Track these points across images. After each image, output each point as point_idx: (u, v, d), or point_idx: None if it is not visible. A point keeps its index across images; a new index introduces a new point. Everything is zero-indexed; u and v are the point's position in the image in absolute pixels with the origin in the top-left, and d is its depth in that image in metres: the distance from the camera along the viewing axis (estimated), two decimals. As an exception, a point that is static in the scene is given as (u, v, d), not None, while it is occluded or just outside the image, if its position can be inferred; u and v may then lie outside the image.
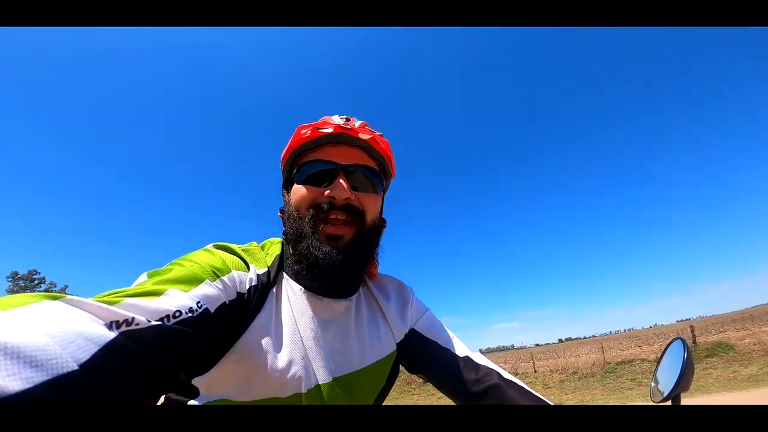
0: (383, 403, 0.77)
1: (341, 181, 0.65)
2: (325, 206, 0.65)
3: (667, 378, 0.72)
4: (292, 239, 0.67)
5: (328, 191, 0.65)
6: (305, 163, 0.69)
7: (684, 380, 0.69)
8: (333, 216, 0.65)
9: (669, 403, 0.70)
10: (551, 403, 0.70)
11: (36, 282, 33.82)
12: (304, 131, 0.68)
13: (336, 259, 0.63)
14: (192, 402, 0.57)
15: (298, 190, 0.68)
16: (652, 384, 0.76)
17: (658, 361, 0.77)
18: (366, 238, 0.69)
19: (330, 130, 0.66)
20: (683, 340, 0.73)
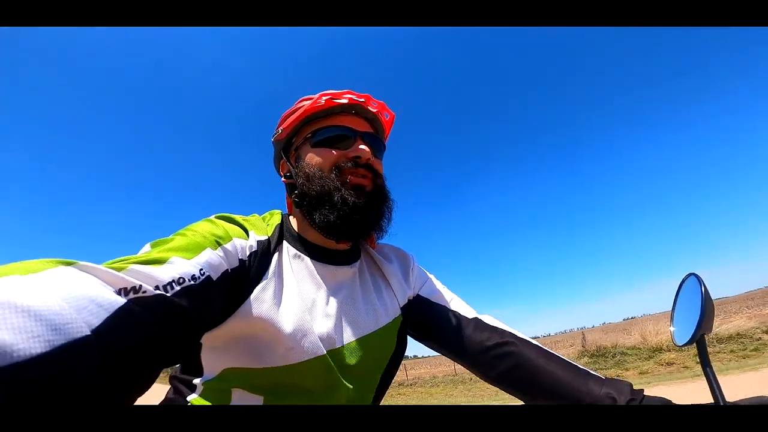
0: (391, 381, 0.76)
1: (362, 143, 0.70)
2: (349, 165, 0.68)
3: (686, 319, 0.63)
4: (317, 195, 0.67)
5: (353, 152, 0.69)
6: (321, 128, 0.71)
7: (705, 321, 0.60)
8: (358, 172, 0.69)
9: (694, 346, 0.60)
10: (571, 362, 0.67)
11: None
12: (319, 101, 0.71)
13: (365, 204, 0.67)
14: (197, 380, 0.59)
15: (319, 152, 0.70)
16: (672, 328, 0.66)
17: (674, 302, 0.67)
18: (382, 191, 0.73)
19: (345, 101, 0.70)
20: (697, 276, 0.64)
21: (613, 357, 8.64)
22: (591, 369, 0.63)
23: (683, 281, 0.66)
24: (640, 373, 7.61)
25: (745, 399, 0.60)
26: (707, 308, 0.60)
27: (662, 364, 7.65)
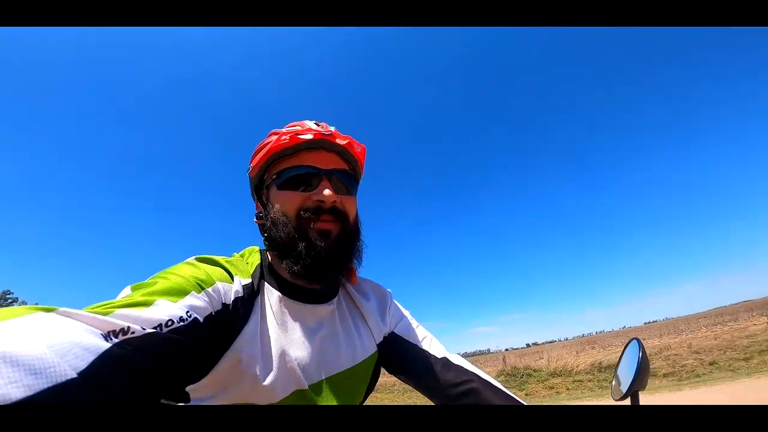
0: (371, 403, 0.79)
1: (327, 184, 0.69)
2: (311, 211, 0.68)
3: (625, 377, 0.77)
4: (282, 243, 0.68)
5: (316, 195, 0.68)
6: (286, 168, 0.70)
7: (639, 379, 0.73)
8: (322, 218, 0.68)
9: (628, 401, 0.74)
10: (521, 401, 0.72)
11: (9, 301, 33.78)
12: (283, 138, 0.69)
13: (329, 252, 0.67)
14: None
15: (283, 195, 0.69)
16: (613, 383, 0.80)
17: (618, 360, 0.82)
18: (351, 234, 0.73)
19: (310, 136, 0.69)
20: (639, 340, 0.78)
21: (521, 377, 9.80)
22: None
23: (627, 344, 0.80)
24: (526, 394, 8.51)
25: None
26: (642, 369, 0.74)
27: (546, 388, 8.76)
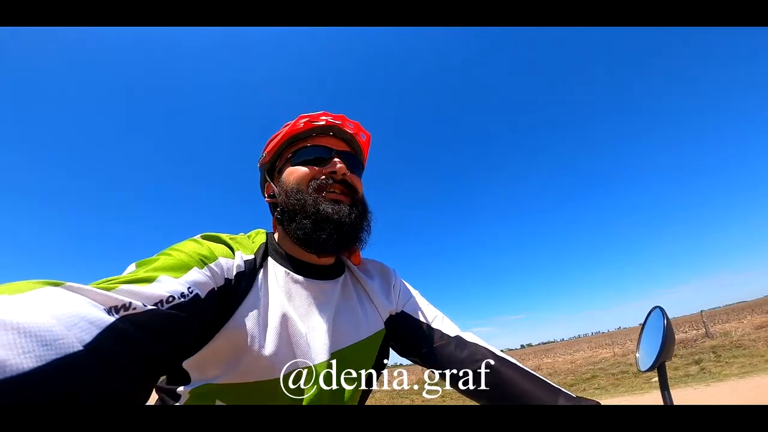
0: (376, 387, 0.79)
1: (339, 160, 0.76)
2: (324, 181, 0.73)
3: (650, 347, 0.72)
4: (293, 209, 0.71)
5: (328, 168, 0.74)
6: (300, 149, 0.77)
7: (665, 349, 0.68)
8: (333, 188, 0.74)
9: (655, 372, 0.69)
10: (545, 380, 0.71)
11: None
12: (298, 123, 0.77)
13: (340, 218, 0.70)
14: (181, 389, 0.59)
15: (297, 170, 0.75)
16: (637, 354, 0.75)
17: (641, 331, 0.77)
18: (360, 207, 0.77)
19: (322, 122, 0.77)
20: (662, 309, 0.73)
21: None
22: (562, 386, 0.69)
23: (649, 313, 0.75)
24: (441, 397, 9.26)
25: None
26: (668, 338, 0.69)
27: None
